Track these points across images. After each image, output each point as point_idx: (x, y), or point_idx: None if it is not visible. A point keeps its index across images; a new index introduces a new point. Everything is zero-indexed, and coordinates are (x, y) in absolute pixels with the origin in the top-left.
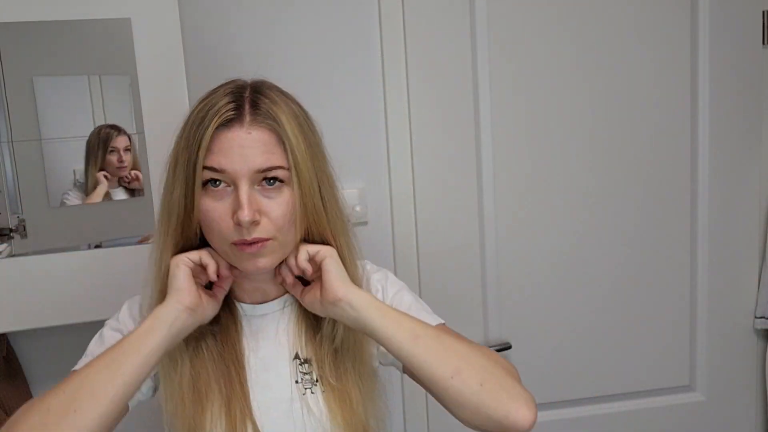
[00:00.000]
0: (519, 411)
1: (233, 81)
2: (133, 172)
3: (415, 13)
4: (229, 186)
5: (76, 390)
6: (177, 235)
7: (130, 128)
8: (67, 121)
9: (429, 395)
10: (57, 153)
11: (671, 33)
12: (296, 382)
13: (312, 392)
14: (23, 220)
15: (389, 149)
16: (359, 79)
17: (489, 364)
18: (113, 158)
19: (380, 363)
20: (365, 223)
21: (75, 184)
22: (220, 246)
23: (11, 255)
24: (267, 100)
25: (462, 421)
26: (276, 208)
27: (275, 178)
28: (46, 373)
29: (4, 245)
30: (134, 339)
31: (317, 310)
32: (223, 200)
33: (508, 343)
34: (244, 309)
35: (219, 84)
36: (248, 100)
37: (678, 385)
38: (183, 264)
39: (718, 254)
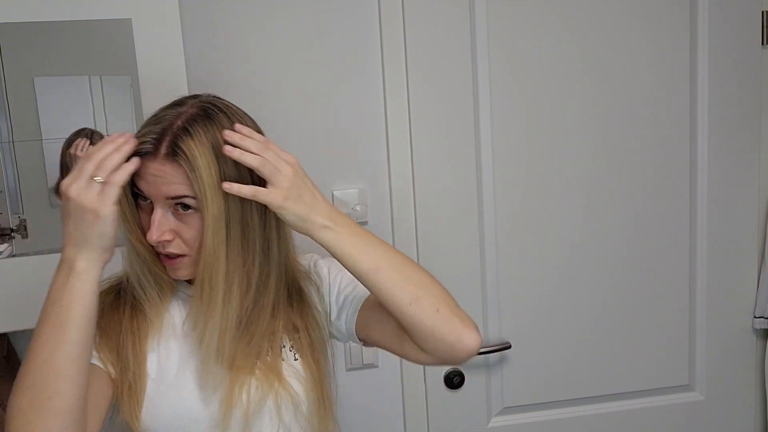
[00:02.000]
0: (471, 335)
1: (178, 104)
2: None
3: (415, 13)
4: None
5: (42, 376)
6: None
7: (130, 128)
8: (68, 121)
9: (429, 395)
10: (57, 153)
11: (671, 33)
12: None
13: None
14: (24, 220)
15: (389, 149)
16: (359, 79)
17: (443, 293)
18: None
19: (335, 336)
20: (365, 223)
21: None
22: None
23: (12, 255)
24: (186, 137)
25: (418, 345)
26: (187, 231)
27: (186, 205)
28: None
29: (5, 245)
30: (65, 302)
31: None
32: (150, 214)
33: (508, 343)
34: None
35: (170, 101)
36: (170, 134)
37: (677, 385)
38: (112, 214)
39: (718, 254)
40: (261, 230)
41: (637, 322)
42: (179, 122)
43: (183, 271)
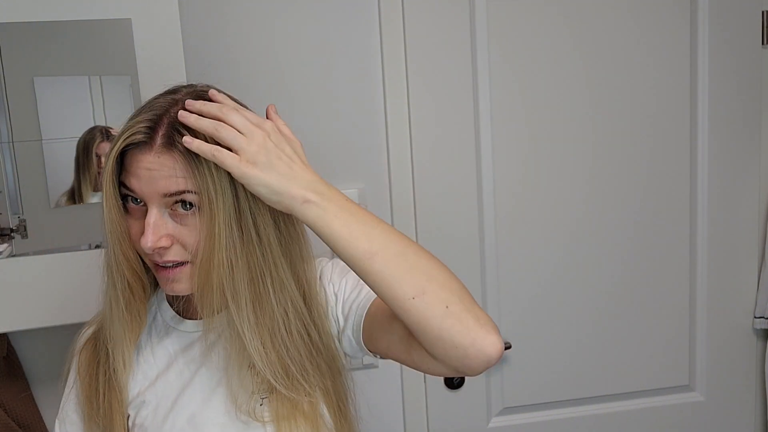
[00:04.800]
0: (488, 338)
1: (171, 92)
2: None
3: (415, 13)
4: (146, 206)
5: None
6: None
7: None
8: (68, 122)
9: (429, 395)
10: (57, 153)
11: (671, 33)
12: (252, 392)
13: (269, 401)
14: (24, 220)
15: (389, 149)
16: (359, 79)
17: (454, 283)
18: (94, 164)
19: (348, 354)
20: None
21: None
22: (148, 262)
23: (12, 255)
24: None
25: (427, 350)
26: (187, 235)
27: (188, 203)
28: (47, 373)
29: (5, 245)
30: None
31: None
32: (141, 219)
33: (508, 343)
34: (197, 326)
35: (162, 91)
36: (167, 121)
37: (677, 385)
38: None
39: (718, 254)
40: (275, 228)
41: (637, 322)
42: (176, 108)
43: (182, 284)
